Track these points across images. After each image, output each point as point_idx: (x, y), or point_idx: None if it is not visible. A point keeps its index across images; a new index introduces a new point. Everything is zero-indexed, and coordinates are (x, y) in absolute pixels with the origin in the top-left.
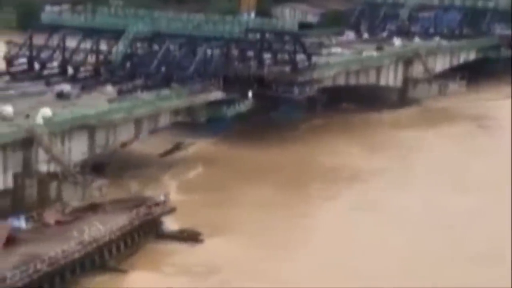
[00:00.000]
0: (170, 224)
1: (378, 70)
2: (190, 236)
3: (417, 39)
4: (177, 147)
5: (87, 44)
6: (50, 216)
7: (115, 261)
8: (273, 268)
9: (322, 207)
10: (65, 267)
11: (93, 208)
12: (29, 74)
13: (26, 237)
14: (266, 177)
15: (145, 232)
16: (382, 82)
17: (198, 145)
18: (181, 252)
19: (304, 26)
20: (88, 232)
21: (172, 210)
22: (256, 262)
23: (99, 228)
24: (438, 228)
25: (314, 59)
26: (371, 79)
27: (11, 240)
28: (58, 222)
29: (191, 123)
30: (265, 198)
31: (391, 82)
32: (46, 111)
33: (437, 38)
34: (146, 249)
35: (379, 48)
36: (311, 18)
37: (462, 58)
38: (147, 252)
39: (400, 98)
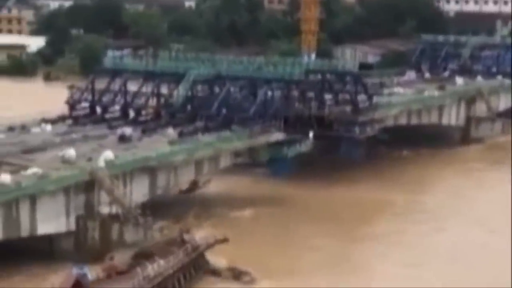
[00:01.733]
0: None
1: (440, 109)
2: (238, 275)
3: (479, 78)
4: (195, 184)
5: (148, 88)
6: (109, 268)
7: None
8: None
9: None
10: None
11: (144, 254)
12: (91, 118)
13: (93, 284)
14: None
15: (196, 268)
16: (444, 121)
17: (259, 185)
18: None
19: (364, 66)
20: (151, 267)
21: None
22: None
23: (159, 264)
24: None
25: (375, 99)
26: (433, 118)
27: (79, 286)
28: (119, 272)
29: (252, 164)
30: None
31: (453, 122)
32: (108, 154)
33: (499, 77)
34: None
35: (441, 88)
36: (372, 58)
37: None
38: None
39: (463, 137)
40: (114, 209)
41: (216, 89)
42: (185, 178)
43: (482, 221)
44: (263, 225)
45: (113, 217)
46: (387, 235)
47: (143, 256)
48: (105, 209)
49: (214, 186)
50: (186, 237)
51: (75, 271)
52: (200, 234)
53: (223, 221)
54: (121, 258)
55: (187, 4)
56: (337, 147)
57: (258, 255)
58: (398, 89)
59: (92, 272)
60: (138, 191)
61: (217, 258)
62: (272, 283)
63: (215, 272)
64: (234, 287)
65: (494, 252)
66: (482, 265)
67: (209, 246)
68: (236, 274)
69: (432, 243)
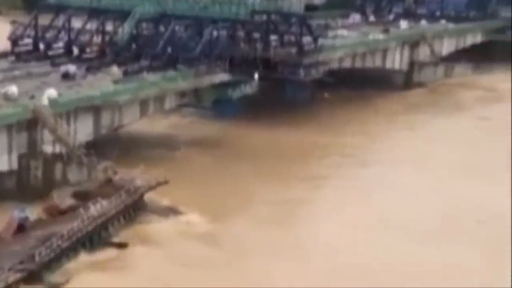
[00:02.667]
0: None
1: (384, 53)
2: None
3: (423, 22)
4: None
5: (93, 25)
6: (51, 208)
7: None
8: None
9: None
10: (80, 240)
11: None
12: (34, 55)
13: (35, 225)
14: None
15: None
16: (388, 65)
17: (202, 126)
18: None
19: (310, 8)
20: (95, 208)
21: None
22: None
23: (102, 205)
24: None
25: (320, 41)
26: (377, 62)
27: (22, 229)
28: (61, 212)
29: (197, 105)
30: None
31: (397, 65)
32: (52, 92)
33: (443, 21)
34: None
35: (385, 31)
36: (317, 0)
37: (469, 41)
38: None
39: (406, 81)
40: (58, 148)
41: (162, 28)
42: (130, 117)
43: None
44: (203, 166)
45: (57, 156)
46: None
47: (83, 196)
48: (48, 148)
49: (159, 127)
50: (117, 178)
51: (16, 214)
52: (142, 176)
53: (166, 161)
54: (63, 198)
55: None
56: (282, 89)
57: (197, 195)
58: (343, 32)
59: (33, 213)
60: (82, 130)
61: (157, 198)
62: (208, 220)
63: (153, 212)
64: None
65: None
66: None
67: (151, 188)
68: (174, 213)
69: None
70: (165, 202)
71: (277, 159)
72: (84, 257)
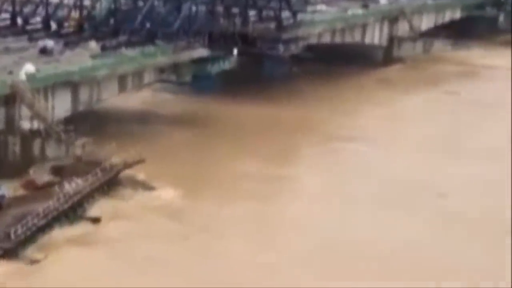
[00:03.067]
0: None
1: (364, 28)
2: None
3: None
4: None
5: (71, 0)
6: (28, 184)
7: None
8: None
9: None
10: (56, 218)
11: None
12: (12, 30)
13: (11, 203)
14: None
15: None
16: (368, 40)
17: (181, 102)
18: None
19: None
20: (70, 187)
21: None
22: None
23: (78, 184)
24: None
25: (299, 16)
26: (357, 37)
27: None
28: (38, 188)
29: (176, 81)
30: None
31: (376, 41)
32: (29, 67)
33: None
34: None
35: (364, 6)
36: None
37: (448, 16)
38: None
39: (385, 56)
40: (36, 124)
41: (140, 3)
42: (109, 93)
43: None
44: (181, 141)
45: (35, 132)
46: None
47: (60, 171)
48: (26, 124)
49: (137, 103)
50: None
51: None
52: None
53: (144, 137)
54: (40, 173)
55: None
56: (261, 64)
57: (173, 171)
58: (322, 7)
59: (10, 190)
60: (60, 106)
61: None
62: (181, 195)
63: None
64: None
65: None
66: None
67: (127, 166)
68: (147, 189)
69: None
70: (140, 177)
71: (255, 135)
72: (59, 232)
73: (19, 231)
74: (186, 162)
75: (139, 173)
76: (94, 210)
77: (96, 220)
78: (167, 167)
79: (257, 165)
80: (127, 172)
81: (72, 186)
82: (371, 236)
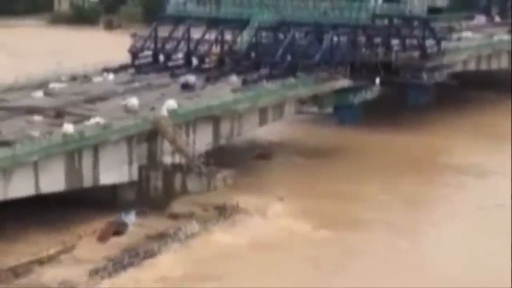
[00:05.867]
0: None
1: (510, 54)
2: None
3: None
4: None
5: (212, 35)
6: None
7: None
8: None
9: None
10: None
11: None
12: (154, 66)
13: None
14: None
15: None
16: None
17: (322, 132)
18: None
19: (433, 10)
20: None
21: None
22: None
23: None
24: None
25: (444, 44)
26: (503, 63)
27: (118, 234)
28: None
29: (317, 112)
30: None
31: None
32: (171, 103)
33: None
34: None
35: (511, 32)
36: (440, 2)
37: None
38: None
39: None
40: (177, 159)
41: (281, 36)
42: (249, 126)
43: None
44: (323, 175)
45: (176, 167)
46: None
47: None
48: (168, 159)
49: (279, 134)
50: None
51: (119, 219)
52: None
53: (282, 169)
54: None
55: None
56: (404, 93)
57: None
58: (467, 34)
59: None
60: (201, 140)
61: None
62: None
63: None
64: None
65: None
66: None
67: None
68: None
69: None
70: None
71: (399, 168)
72: None
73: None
74: (322, 198)
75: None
76: None
77: None
78: (304, 202)
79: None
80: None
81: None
82: None
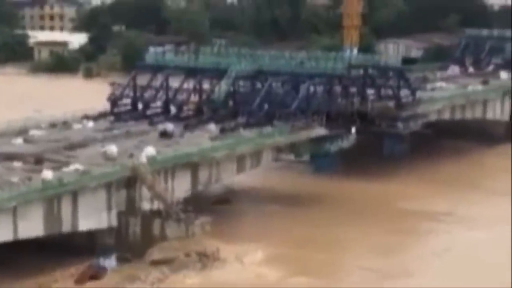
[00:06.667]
0: None
1: (484, 104)
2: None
3: None
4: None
5: (190, 84)
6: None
7: None
8: None
9: None
10: None
11: None
12: (133, 114)
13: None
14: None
15: None
16: (489, 116)
17: (298, 180)
18: None
19: (408, 61)
20: None
21: None
22: None
23: None
24: None
25: (419, 94)
26: (477, 113)
27: (95, 278)
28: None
29: (294, 160)
30: None
31: (497, 116)
32: (150, 150)
33: None
34: None
35: (484, 82)
36: (415, 52)
37: None
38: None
39: (507, 132)
40: (156, 205)
41: (258, 85)
42: (227, 173)
43: None
44: (298, 222)
45: (155, 213)
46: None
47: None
48: (146, 205)
49: (255, 181)
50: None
51: (97, 263)
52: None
53: (257, 215)
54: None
55: (228, 0)
56: (380, 142)
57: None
58: (441, 84)
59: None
60: (180, 187)
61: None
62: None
63: None
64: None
65: None
66: None
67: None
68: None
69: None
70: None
71: (369, 216)
72: None
73: None
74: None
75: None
76: None
77: None
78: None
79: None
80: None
81: None
82: None
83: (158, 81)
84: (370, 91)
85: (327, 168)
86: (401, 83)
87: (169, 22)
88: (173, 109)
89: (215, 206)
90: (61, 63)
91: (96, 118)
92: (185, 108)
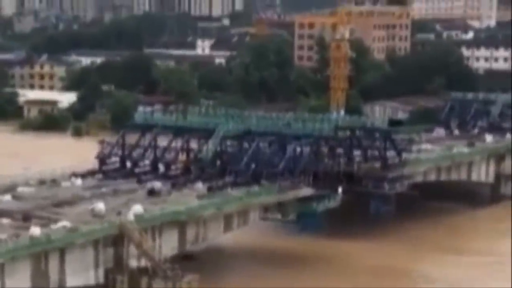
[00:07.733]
0: None
1: (470, 166)
2: None
3: (508, 136)
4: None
5: (178, 143)
6: None
7: None
8: None
9: None
10: None
11: None
12: (121, 172)
13: None
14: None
15: None
16: (474, 178)
17: (285, 240)
18: None
19: (394, 123)
20: None
21: None
22: None
23: None
24: None
25: (405, 155)
26: (462, 175)
27: None
28: None
29: (281, 219)
30: None
31: (482, 178)
32: (138, 208)
33: None
34: None
35: (470, 144)
36: (401, 115)
37: None
38: None
39: (493, 194)
40: (143, 262)
41: (246, 145)
42: (214, 232)
43: None
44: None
45: (142, 270)
46: None
47: None
48: (134, 262)
49: (243, 240)
50: None
51: None
52: None
53: (244, 275)
54: None
55: (217, 61)
56: (366, 202)
57: None
58: (427, 146)
59: None
60: (167, 245)
61: None
62: None
63: None
64: None
65: None
66: None
67: None
68: None
69: None
70: None
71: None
72: None
73: None
74: None
75: None
76: None
77: None
78: None
79: None
80: None
81: None
82: None
83: (146, 140)
84: (357, 152)
85: (313, 227)
86: (387, 144)
87: (158, 82)
88: (161, 168)
89: (204, 264)
90: (50, 121)
91: (85, 175)
92: (173, 167)
